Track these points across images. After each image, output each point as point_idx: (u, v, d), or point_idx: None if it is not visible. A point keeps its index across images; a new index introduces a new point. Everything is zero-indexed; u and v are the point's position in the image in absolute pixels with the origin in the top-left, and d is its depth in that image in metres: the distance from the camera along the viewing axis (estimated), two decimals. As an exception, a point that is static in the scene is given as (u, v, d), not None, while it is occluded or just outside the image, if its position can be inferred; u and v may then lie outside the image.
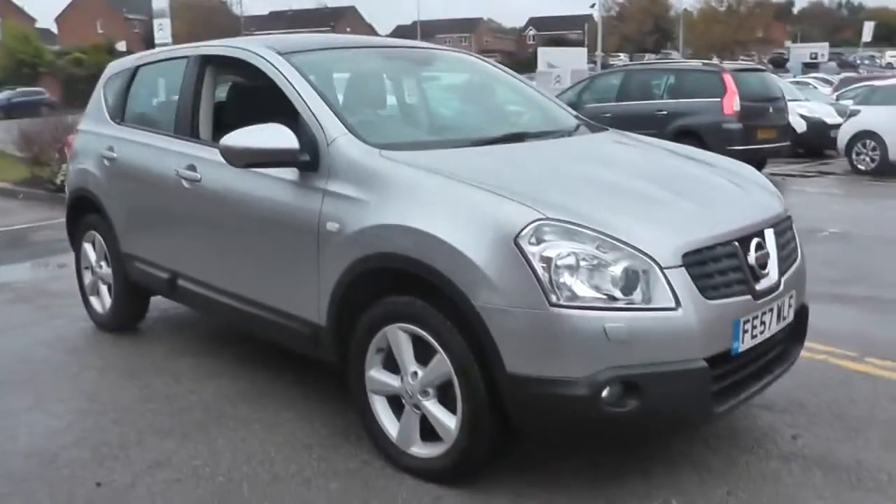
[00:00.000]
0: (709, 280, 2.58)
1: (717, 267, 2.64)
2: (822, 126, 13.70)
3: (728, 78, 10.66)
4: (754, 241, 2.78)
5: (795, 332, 3.13)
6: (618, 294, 2.46)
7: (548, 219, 2.49)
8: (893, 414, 3.41)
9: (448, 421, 2.73)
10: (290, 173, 3.13)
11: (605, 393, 2.44)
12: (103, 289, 4.57)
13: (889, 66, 36.85)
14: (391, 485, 2.83)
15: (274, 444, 3.14)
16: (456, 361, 2.63)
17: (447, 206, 2.66)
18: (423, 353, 2.78)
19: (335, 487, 2.82)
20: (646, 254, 2.49)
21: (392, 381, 2.89)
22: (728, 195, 3.09)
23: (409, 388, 2.81)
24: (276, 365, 3.95)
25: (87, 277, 4.72)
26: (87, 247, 4.66)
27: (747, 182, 3.28)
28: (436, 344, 2.69)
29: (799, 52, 42.98)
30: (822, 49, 41.66)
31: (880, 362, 4.00)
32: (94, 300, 4.68)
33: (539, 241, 2.47)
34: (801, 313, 3.14)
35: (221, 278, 3.58)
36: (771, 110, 10.95)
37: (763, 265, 2.79)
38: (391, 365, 2.92)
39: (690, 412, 2.60)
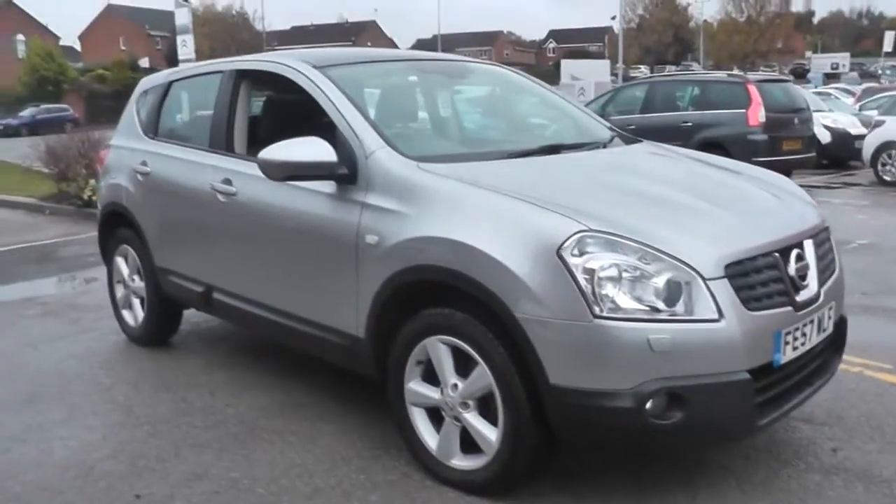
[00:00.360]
0: (751, 291, 2.57)
1: (759, 278, 2.62)
2: (847, 137, 13.60)
3: (753, 89, 10.62)
4: (794, 252, 2.77)
5: (834, 343, 3.10)
6: (661, 305, 2.45)
7: (590, 230, 2.49)
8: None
9: (489, 433, 2.72)
10: (328, 186, 3.15)
11: (649, 405, 2.43)
12: (136, 302, 4.62)
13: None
14: (432, 496, 2.83)
15: (312, 457, 3.15)
16: (497, 373, 2.63)
17: (488, 218, 2.66)
18: (464, 366, 2.78)
19: (376, 500, 2.82)
20: (688, 265, 2.48)
21: (432, 393, 2.89)
22: (767, 206, 3.07)
23: (450, 401, 2.81)
24: (311, 377, 3.97)
25: (120, 291, 4.76)
26: (120, 261, 4.71)
27: (785, 193, 3.27)
28: (476, 356, 2.69)
29: (820, 62, 42.78)
30: (843, 59, 41.44)
31: (917, 375, 3.97)
32: (126, 314, 4.72)
33: (582, 253, 2.47)
34: (840, 325, 3.11)
35: (258, 291, 3.61)
36: (796, 121, 10.88)
37: (803, 276, 2.77)
38: (431, 377, 2.92)
39: (733, 424, 2.57)
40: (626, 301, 2.45)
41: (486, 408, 2.76)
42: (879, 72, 41.96)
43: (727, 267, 2.54)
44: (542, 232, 2.54)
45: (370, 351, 3.07)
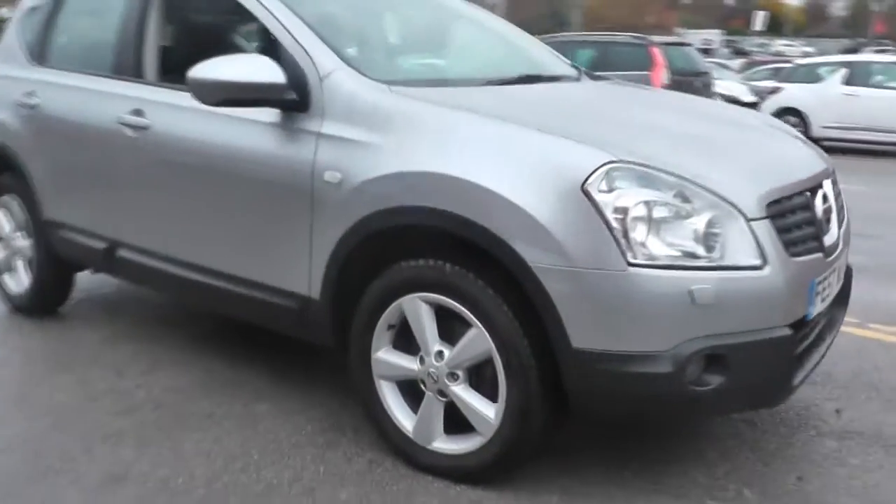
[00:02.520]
0: (789, 235, 2.21)
1: (795, 220, 2.27)
2: (739, 104, 13.86)
3: (656, 51, 10.51)
4: (820, 192, 2.44)
5: (840, 295, 2.82)
6: (700, 251, 2.05)
7: (621, 161, 2.06)
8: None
9: (486, 409, 2.26)
10: (270, 115, 2.57)
11: (689, 368, 2.04)
12: (20, 264, 3.83)
13: (779, 53, 38.45)
14: (414, 488, 2.35)
15: (255, 446, 2.59)
16: (499, 337, 2.17)
17: (493, 149, 2.18)
18: (448, 330, 2.31)
19: (346, 497, 2.31)
20: (731, 203, 2.09)
21: (407, 363, 2.40)
22: (784, 144, 2.73)
23: (433, 371, 2.33)
24: (236, 349, 3.37)
25: (0, 252, 3.96)
26: (0, 214, 3.91)
27: (790, 134, 2.95)
28: (471, 317, 2.21)
29: (692, 38, 44.22)
30: (714, 36, 42.99)
31: (885, 328, 3.82)
32: (7, 278, 3.92)
33: (611, 189, 2.03)
34: (848, 274, 2.83)
35: (177, 247, 2.97)
36: (699, 84, 10.89)
37: (828, 219, 2.46)
38: (404, 345, 2.44)
39: (773, 388, 2.22)
40: (661, 246, 2.03)
41: (480, 379, 2.30)
42: (750, 49, 43.85)
43: (769, 206, 2.18)
44: (563, 164, 2.08)
45: (326, 315, 2.53)
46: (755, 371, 2.14)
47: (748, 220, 2.10)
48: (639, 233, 2.02)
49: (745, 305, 2.09)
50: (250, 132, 2.62)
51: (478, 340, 2.22)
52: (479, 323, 2.21)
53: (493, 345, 2.20)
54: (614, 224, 2.01)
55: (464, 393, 2.30)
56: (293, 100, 2.50)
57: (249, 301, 2.74)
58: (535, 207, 2.05)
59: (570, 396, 2.15)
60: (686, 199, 2.06)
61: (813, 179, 2.45)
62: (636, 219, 2.02)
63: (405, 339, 2.44)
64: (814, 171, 2.50)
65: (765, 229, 2.13)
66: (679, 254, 2.04)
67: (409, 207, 2.25)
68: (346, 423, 2.73)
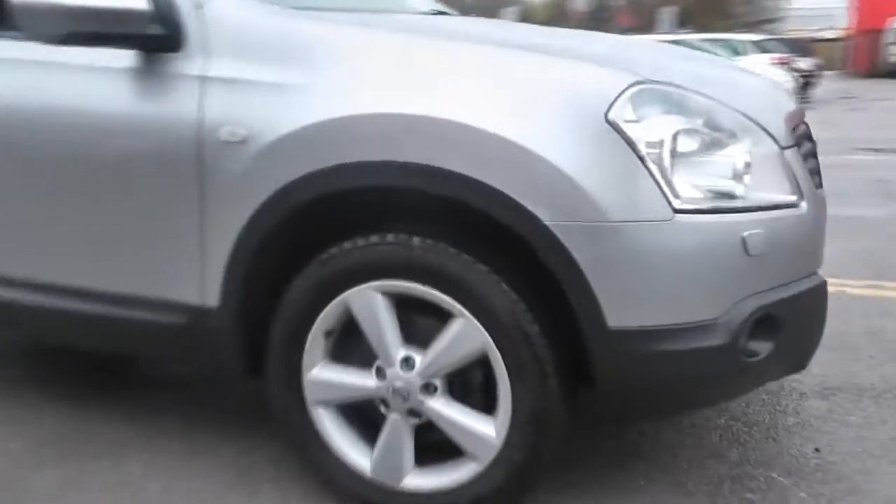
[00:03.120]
0: (807, 164, 1.87)
1: (805, 150, 1.93)
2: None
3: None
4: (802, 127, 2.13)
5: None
6: (739, 189, 1.63)
7: (648, 82, 1.59)
8: (874, 327, 3.04)
9: (482, 426, 1.71)
10: (125, 59, 1.83)
11: (742, 336, 1.62)
12: None
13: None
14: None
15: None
16: (497, 327, 1.63)
17: (478, 79, 1.61)
18: (410, 331, 1.75)
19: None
20: (764, 128, 1.70)
21: (359, 379, 1.79)
22: (765, 81, 2.38)
23: (400, 386, 1.73)
24: (88, 389, 2.53)
25: None
26: None
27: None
28: (455, 305, 1.65)
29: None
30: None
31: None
32: None
33: (639, 118, 1.56)
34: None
35: (4, 261, 2.12)
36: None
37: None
38: (346, 356, 1.83)
39: (814, 344, 1.86)
40: (702, 185, 1.60)
41: (462, 389, 1.75)
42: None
43: (794, 131, 1.81)
44: (578, 90, 1.57)
45: (230, 329, 1.85)
46: (803, 329, 1.77)
47: (782, 148, 1.71)
48: (678, 170, 1.57)
49: (789, 251, 1.71)
50: (100, 83, 1.86)
51: (465, 335, 1.66)
52: (466, 312, 1.65)
53: (488, 338, 1.65)
54: (650, 161, 1.54)
55: (446, 408, 1.73)
56: (160, 35, 1.78)
57: (113, 323, 1.96)
58: (548, 149, 1.52)
59: (601, 393, 1.65)
60: (719, 128, 1.64)
61: (801, 113, 2.13)
62: (673, 153, 1.56)
63: (346, 350, 1.84)
64: (795, 105, 2.18)
65: (795, 158, 1.76)
66: (719, 194, 1.62)
67: (355, 165, 1.63)
68: (262, 476, 2.05)
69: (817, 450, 2.12)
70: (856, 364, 2.69)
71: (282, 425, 1.90)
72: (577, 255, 1.53)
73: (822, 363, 2.67)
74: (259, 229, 1.75)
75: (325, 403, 1.84)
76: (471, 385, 1.75)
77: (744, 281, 1.61)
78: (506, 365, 1.65)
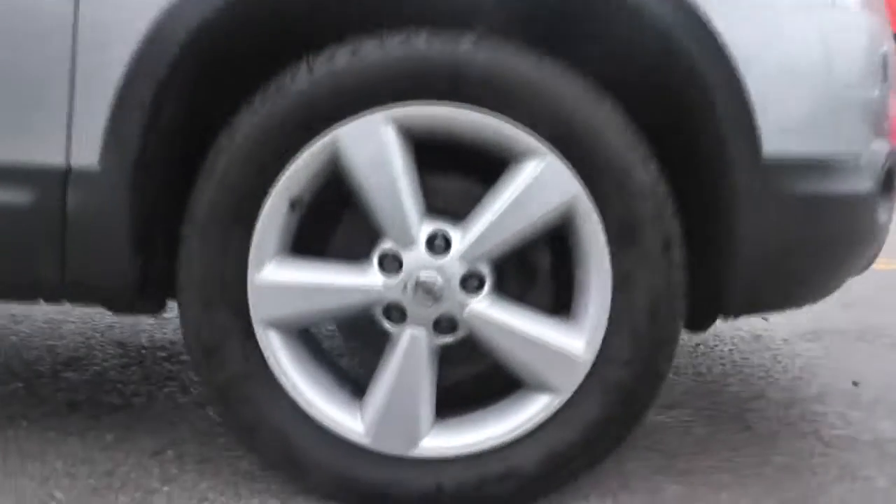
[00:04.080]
0: None
1: None
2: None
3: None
4: None
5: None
6: None
7: None
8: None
9: (559, 336, 1.09)
10: None
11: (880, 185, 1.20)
12: None
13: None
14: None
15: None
16: (601, 171, 1.03)
17: None
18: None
19: None
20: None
21: (353, 276, 1.09)
22: None
23: (429, 277, 1.06)
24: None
25: None
26: None
27: None
28: (531, 139, 1.04)
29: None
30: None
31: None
32: None
33: None
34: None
35: None
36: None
37: None
38: (317, 247, 1.13)
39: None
40: None
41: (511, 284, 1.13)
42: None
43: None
44: None
45: (119, 203, 1.07)
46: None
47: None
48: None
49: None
50: None
51: (541, 186, 1.05)
52: (547, 148, 1.03)
53: (580, 189, 1.04)
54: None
55: (501, 313, 1.08)
56: None
57: None
58: None
59: (732, 268, 1.11)
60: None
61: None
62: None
63: (316, 237, 1.14)
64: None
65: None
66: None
67: None
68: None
69: (856, 383, 1.75)
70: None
71: (203, 372, 1.11)
72: (737, 52, 1.00)
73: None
74: (172, 39, 1.02)
75: (284, 324, 1.11)
76: (527, 276, 1.14)
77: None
78: (606, 229, 1.05)
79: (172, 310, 2.19)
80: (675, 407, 1.59)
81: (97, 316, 2.25)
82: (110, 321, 2.20)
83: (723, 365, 1.88)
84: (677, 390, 1.69)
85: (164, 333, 2.07)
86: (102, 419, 1.47)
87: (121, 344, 1.97)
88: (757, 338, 2.13)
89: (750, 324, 2.27)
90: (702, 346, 2.03)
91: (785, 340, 2.11)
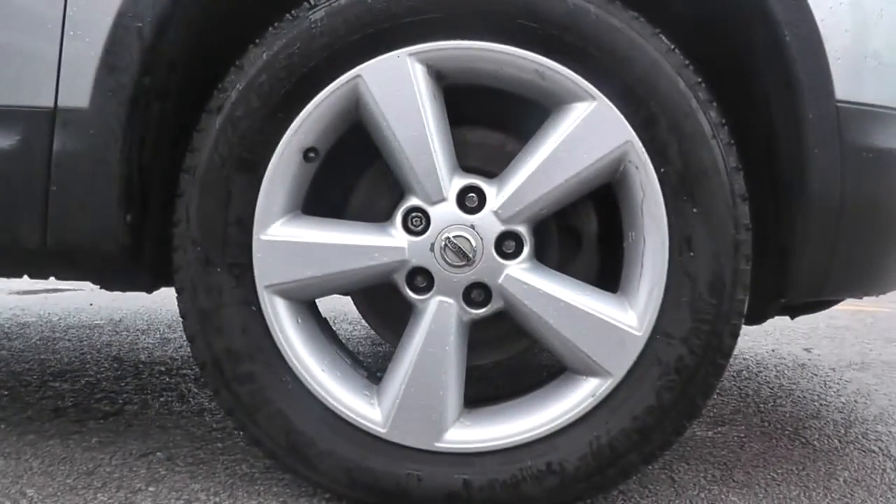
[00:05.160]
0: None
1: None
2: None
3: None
4: None
5: None
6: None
7: None
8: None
9: (608, 308, 0.95)
10: None
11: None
12: None
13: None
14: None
15: None
16: (658, 117, 0.91)
17: None
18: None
19: None
20: None
21: (372, 236, 0.96)
22: None
23: (461, 236, 0.93)
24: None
25: None
26: None
27: None
28: (579, 80, 0.92)
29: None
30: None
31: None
32: None
33: None
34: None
35: None
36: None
37: None
38: (331, 203, 1.01)
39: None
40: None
41: (566, 247, 1.00)
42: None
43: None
44: None
45: (113, 146, 0.95)
46: None
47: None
48: None
49: None
50: None
51: (593, 129, 0.92)
52: (596, 91, 0.92)
53: (632, 135, 0.92)
54: None
55: (544, 281, 0.95)
56: None
57: None
58: None
59: (807, 233, 0.97)
60: None
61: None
62: None
63: (329, 192, 1.02)
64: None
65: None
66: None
67: None
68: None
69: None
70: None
71: (198, 342, 0.97)
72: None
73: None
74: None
75: (293, 292, 0.97)
76: (570, 242, 1.00)
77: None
78: (662, 182, 0.92)
79: (176, 330, 2.06)
80: (725, 424, 1.43)
81: (94, 335, 2.12)
82: (108, 339, 2.07)
83: (770, 388, 1.72)
84: (726, 409, 1.53)
85: (165, 351, 1.94)
86: (89, 424, 1.32)
87: (117, 359, 1.84)
88: (802, 366, 1.97)
89: (792, 354, 2.11)
90: (745, 372, 1.87)
91: (833, 369, 1.94)
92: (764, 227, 1.01)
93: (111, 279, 1.09)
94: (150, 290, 1.14)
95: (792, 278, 1.00)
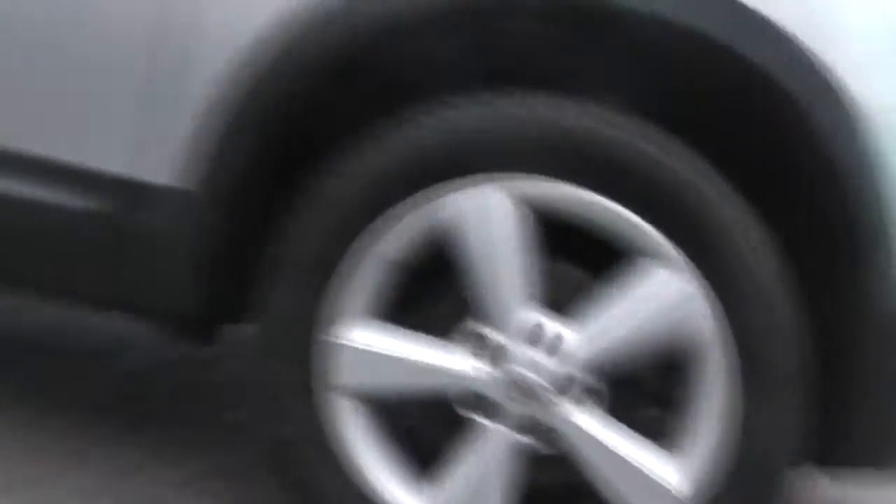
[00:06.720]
0: None
1: None
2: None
3: None
4: None
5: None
6: None
7: None
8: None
9: (661, 465, 0.96)
10: None
11: None
12: None
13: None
14: None
15: None
16: (741, 288, 0.92)
17: None
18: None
19: None
20: None
21: (445, 357, 0.98)
22: None
23: (525, 376, 0.95)
24: None
25: None
26: None
27: None
28: (663, 242, 0.93)
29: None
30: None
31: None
32: None
33: None
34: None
35: None
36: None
37: None
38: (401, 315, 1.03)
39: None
40: None
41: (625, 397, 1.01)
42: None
43: None
44: None
45: (206, 227, 1.03)
46: None
47: None
48: None
49: None
50: None
51: (674, 297, 0.93)
52: (681, 253, 0.92)
53: (708, 283, 0.92)
54: None
55: (604, 430, 0.96)
56: None
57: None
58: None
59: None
60: None
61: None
62: None
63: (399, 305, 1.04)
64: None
65: None
66: None
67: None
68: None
69: None
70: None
71: (261, 420, 1.02)
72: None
73: None
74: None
75: (361, 394, 1.01)
76: (629, 392, 1.01)
77: None
78: (729, 360, 0.92)
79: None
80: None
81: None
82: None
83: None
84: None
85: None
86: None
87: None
88: None
89: None
90: None
91: None
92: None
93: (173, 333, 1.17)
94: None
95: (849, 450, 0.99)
